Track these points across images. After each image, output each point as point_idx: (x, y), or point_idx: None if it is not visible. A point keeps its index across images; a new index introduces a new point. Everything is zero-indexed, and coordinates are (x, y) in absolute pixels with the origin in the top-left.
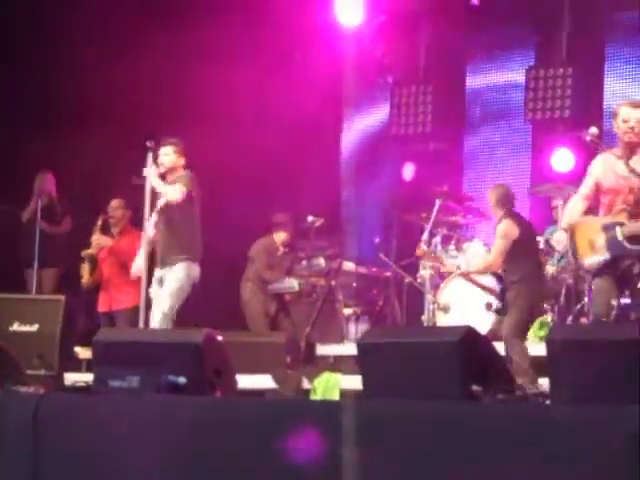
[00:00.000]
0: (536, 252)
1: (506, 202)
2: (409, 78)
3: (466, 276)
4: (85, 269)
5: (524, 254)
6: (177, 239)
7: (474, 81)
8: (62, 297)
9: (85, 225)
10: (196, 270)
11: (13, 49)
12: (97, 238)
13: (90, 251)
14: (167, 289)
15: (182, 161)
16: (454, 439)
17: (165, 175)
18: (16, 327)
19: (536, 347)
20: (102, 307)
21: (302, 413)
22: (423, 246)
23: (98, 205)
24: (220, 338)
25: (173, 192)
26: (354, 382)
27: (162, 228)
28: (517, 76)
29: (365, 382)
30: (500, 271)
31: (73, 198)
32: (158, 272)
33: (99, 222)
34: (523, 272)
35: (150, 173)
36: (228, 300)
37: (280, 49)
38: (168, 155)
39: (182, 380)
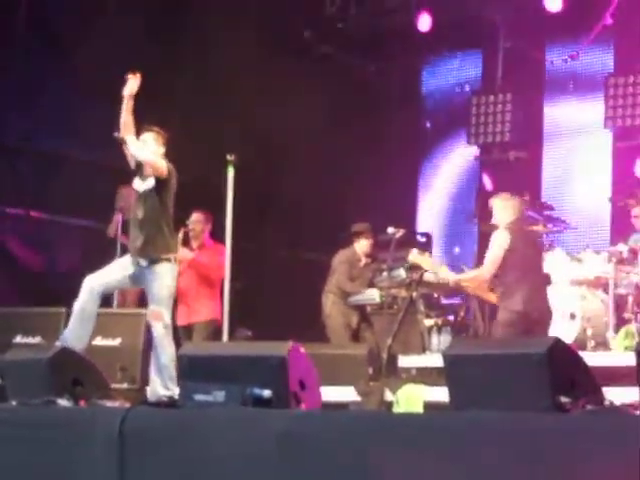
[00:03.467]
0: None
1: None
2: (488, 87)
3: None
4: None
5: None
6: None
7: (552, 89)
8: (144, 311)
9: None
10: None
11: None
12: None
13: None
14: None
15: (162, 150)
16: (542, 451)
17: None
18: (99, 341)
19: (621, 357)
20: (180, 320)
21: (387, 426)
22: (414, 250)
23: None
24: (303, 350)
25: (146, 153)
26: (437, 394)
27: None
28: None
29: (452, 394)
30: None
31: None
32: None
33: (180, 235)
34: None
35: (131, 139)
36: (309, 311)
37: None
38: (148, 142)
39: (267, 393)
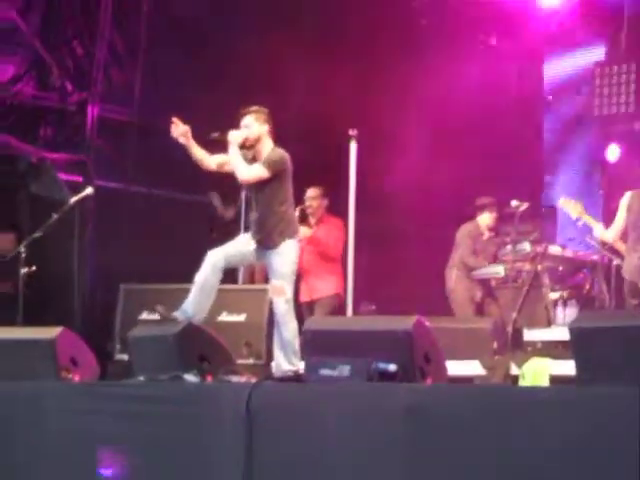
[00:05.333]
0: None
1: None
2: (612, 57)
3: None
4: None
5: None
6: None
7: None
8: (268, 287)
9: None
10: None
11: None
12: None
13: None
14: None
15: (266, 127)
16: None
17: (253, 145)
18: (224, 317)
19: None
20: (303, 297)
21: (514, 399)
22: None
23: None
24: (428, 324)
25: (246, 172)
26: (563, 367)
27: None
28: None
29: (578, 368)
30: None
31: None
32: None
33: (297, 213)
34: None
35: (234, 138)
36: (433, 285)
37: (479, 30)
38: (250, 126)
39: (393, 367)
